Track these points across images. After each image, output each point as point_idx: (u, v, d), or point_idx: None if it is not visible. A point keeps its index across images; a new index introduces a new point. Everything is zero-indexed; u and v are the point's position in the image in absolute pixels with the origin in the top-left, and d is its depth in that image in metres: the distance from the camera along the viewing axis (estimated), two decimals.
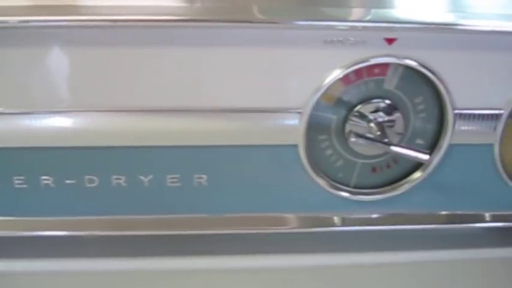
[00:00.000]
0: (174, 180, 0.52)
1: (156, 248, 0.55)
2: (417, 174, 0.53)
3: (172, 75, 0.48)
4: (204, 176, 0.52)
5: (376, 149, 0.50)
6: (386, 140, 0.49)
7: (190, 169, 0.52)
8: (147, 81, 0.48)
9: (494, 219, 0.58)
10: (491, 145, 0.53)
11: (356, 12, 0.48)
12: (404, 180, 0.54)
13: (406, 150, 0.49)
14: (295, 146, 0.50)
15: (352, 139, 0.48)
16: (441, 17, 0.49)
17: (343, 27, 0.47)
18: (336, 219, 0.55)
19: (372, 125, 0.50)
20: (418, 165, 0.54)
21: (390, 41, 0.48)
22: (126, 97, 0.48)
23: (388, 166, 0.53)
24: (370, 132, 0.50)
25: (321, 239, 0.56)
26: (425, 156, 0.49)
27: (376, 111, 0.51)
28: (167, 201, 0.53)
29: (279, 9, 0.48)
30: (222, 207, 0.53)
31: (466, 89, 0.50)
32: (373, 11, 0.49)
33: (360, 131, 0.50)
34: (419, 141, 0.53)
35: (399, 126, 0.51)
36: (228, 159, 0.51)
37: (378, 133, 0.50)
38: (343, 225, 0.55)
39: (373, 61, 0.48)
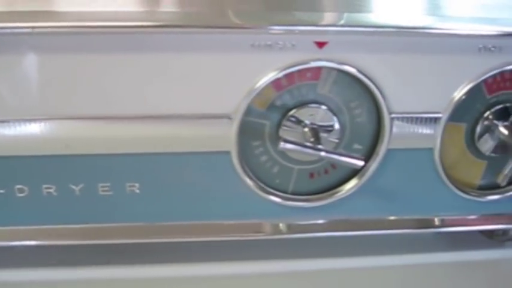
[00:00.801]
0: (106, 188, 0.50)
1: (88, 257, 0.53)
2: (355, 181, 0.52)
3: (100, 82, 0.46)
4: (136, 184, 0.50)
5: (310, 155, 0.49)
6: (319, 146, 0.48)
7: (122, 177, 0.50)
8: (75, 89, 0.46)
9: (439, 224, 0.57)
10: (431, 149, 0.52)
11: (285, 16, 0.47)
12: (342, 187, 0.52)
13: (339, 156, 0.48)
14: (228, 152, 0.49)
15: (282, 145, 0.46)
16: (373, 19, 0.47)
17: (271, 31, 0.45)
18: (272, 226, 0.53)
19: (306, 130, 0.49)
20: (357, 170, 0.52)
21: (321, 44, 0.46)
22: (53, 105, 0.47)
23: (326, 172, 0.52)
24: (305, 138, 0.49)
25: (259, 246, 0.55)
26: (360, 163, 0.48)
27: (310, 116, 0.49)
28: (100, 210, 0.51)
29: (206, 14, 0.46)
30: (156, 216, 0.52)
31: (402, 93, 0.49)
32: (303, 14, 0.47)
33: (294, 137, 0.49)
34: (357, 146, 0.51)
35: (335, 132, 0.50)
36: (160, 166, 0.50)
37: (312, 139, 0.48)
38: (280, 232, 0.53)
39: (303, 65, 0.46)
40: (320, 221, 0.55)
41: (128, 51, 0.45)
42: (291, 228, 0.54)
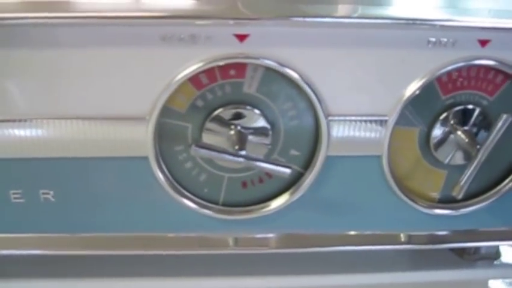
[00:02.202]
0: (18, 196, 0.46)
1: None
2: (293, 190, 0.46)
3: (4, 83, 0.42)
4: (50, 191, 0.46)
5: (230, 162, 0.43)
6: (242, 152, 0.42)
7: (35, 184, 0.46)
8: None
9: (400, 241, 0.51)
10: (378, 157, 0.46)
11: (202, 6, 0.41)
12: (279, 198, 0.47)
13: (261, 163, 0.42)
14: (145, 158, 0.44)
15: (193, 150, 0.41)
16: (303, 9, 0.41)
17: (182, 23, 0.40)
18: (200, 240, 0.48)
19: (232, 133, 0.44)
20: (295, 179, 0.47)
21: (241, 37, 0.41)
22: None
23: (261, 181, 0.47)
24: (232, 143, 0.43)
25: (187, 261, 0.50)
26: (286, 170, 0.42)
27: (237, 118, 0.44)
28: (12, 218, 0.47)
29: (112, 4, 0.41)
30: (73, 226, 0.47)
31: (341, 93, 0.44)
32: (223, 4, 0.42)
33: (219, 141, 0.44)
34: (294, 152, 0.46)
35: (267, 136, 0.44)
36: (76, 173, 0.45)
37: (237, 143, 0.43)
38: (209, 247, 0.48)
39: (223, 61, 0.41)
40: (246, 236, 0.50)
41: (32, 47, 0.41)
42: (212, 243, 0.49)
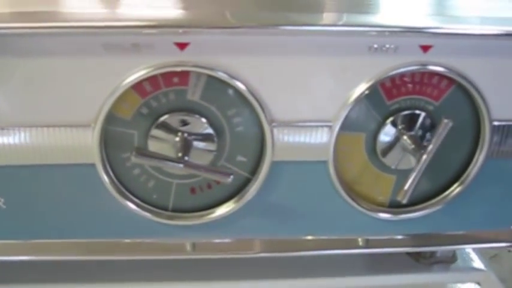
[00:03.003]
0: None
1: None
2: (240, 196, 0.47)
3: None
4: (1, 199, 0.47)
5: (173, 169, 0.44)
6: (186, 159, 0.43)
7: None
8: None
9: (350, 245, 0.51)
10: (325, 162, 0.46)
11: (144, 14, 0.42)
12: (226, 204, 0.47)
13: (201, 170, 0.43)
14: (93, 165, 0.45)
15: (134, 157, 0.42)
16: (241, 17, 0.42)
17: (123, 32, 0.41)
18: (156, 245, 0.49)
19: (177, 140, 0.44)
20: (244, 185, 0.47)
21: (182, 45, 0.41)
22: None
23: (209, 187, 0.47)
24: (177, 150, 0.44)
25: (139, 267, 0.51)
26: (227, 178, 0.42)
27: (182, 125, 0.44)
28: None
29: (53, 13, 0.42)
30: (26, 233, 0.48)
31: (285, 100, 0.44)
32: (164, 12, 0.42)
33: (165, 148, 0.44)
34: (240, 158, 0.47)
35: (213, 142, 0.45)
36: (26, 180, 0.46)
37: (180, 153, 0.43)
38: (165, 252, 0.49)
39: (163, 69, 0.42)
40: (194, 241, 0.51)
41: None
42: (175, 248, 0.49)
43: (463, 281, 0.57)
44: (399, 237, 0.53)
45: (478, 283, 0.57)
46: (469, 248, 0.59)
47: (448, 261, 0.57)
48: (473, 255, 0.59)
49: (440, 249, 0.55)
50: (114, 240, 0.49)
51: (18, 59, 0.42)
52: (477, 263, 0.58)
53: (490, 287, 0.56)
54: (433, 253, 0.56)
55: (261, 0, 0.49)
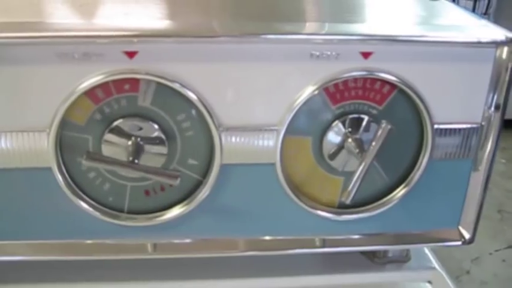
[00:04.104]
0: None
1: None
2: (191, 198, 0.49)
3: None
4: None
5: (124, 172, 0.47)
6: (136, 162, 0.45)
7: None
8: None
9: (299, 245, 0.53)
10: (272, 164, 0.49)
11: (94, 24, 0.45)
12: (177, 205, 0.50)
13: (151, 173, 0.45)
14: (49, 168, 0.47)
15: (84, 161, 0.44)
16: (189, 26, 0.45)
17: (74, 42, 0.43)
18: (117, 246, 0.51)
19: (130, 144, 0.47)
20: (195, 186, 0.50)
21: (131, 54, 0.44)
22: None
23: (163, 189, 0.50)
24: (129, 153, 0.47)
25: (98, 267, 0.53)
26: (174, 181, 0.45)
27: (135, 130, 0.47)
28: None
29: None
30: None
31: (231, 106, 0.47)
32: (114, 21, 0.45)
33: (117, 153, 0.47)
34: (192, 161, 0.49)
35: (164, 146, 0.47)
36: None
37: (131, 156, 0.46)
38: (126, 252, 0.51)
39: (113, 76, 0.44)
40: (146, 242, 0.53)
41: None
42: (135, 248, 0.52)
43: (415, 280, 0.59)
44: (354, 237, 0.55)
45: (430, 282, 0.59)
46: (423, 248, 0.61)
47: (402, 261, 0.60)
48: (427, 255, 0.61)
49: (391, 248, 0.57)
50: (74, 241, 0.52)
51: None
52: (429, 262, 0.60)
53: (440, 286, 0.58)
54: (386, 252, 0.59)
55: (228, 10, 0.52)
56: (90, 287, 0.56)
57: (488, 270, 2.08)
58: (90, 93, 0.46)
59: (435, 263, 0.60)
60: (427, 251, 0.62)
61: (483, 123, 0.51)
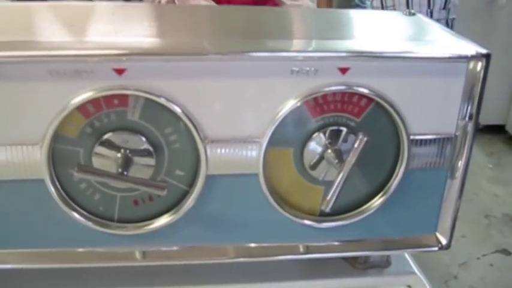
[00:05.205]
0: None
1: None
2: (178, 207, 0.52)
3: None
4: None
5: (121, 183, 0.49)
6: (125, 173, 0.48)
7: None
8: None
9: (284, 251, 0.56)
10: (256, 175, 0.51)
11: (85, 42, 0.47)
12: (165, 214, 0.52)
13: (139, 184, 0.48)
14: (42, 180, 0.50)
15: (75, 173, 0.47)
16: (174, 45, 0.48)
17: (65, 60, 0.46)
18: (107, 254, 0.54)
19: (119, 156, 0.49)
20: (182, 196, 0.52)
21: (119, 71, 0.47)
22: None
23: (151, 199, 0.52)
24: (118, 165, 0.49)
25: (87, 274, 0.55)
26: (161, 191, 0.48)
27: (124, 143, 0.50)
28: None
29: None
30: None
31: (216, 119, 0.50)
32: (104, 39, 0.48)
33: (107, 164, 0.49)
34: (179, 172, 0.52)
35: (151, 158, 0.50)
36: None
37: (120, 168, 0.49)
38: (116, 260, 0.54)
39: (103, 92, 0.47)
40: (133, 250, 0.55)
41: None
42: (125, 256, 0.54)
43: (395, 284, 0.62)
44: (335, 243, 0.58)
45: (409, 286, 0.62)
46: (403, 253, 0.64)
47: (382, 266, 0.62)
48: (407, 260, 0.64)
49: (371, 254, 0.60)
50: (65, 249, 0.54)
51: None
52: (409, 267, 0.63)
53: None
54: (367, 258, 0.61)
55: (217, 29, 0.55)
56: None
57: (475, 274, 2.12)
58: (81, 108, 0.49)
59: (415, 268, 0.63)
60: (407, 256, 0.65)
61: (457, 133, 0.54)
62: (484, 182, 2.64)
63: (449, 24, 1.99)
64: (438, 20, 1.93)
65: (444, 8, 1.94)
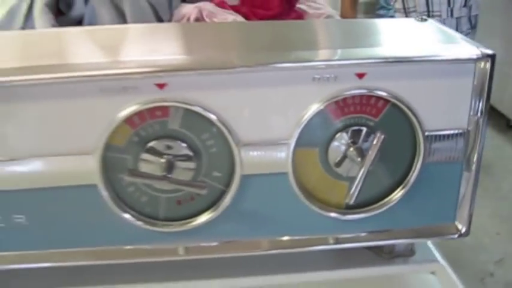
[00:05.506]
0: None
1: None
2: (217, 205, 0.59)
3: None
4: (22, 216, 0.59)
5: (159, 185, 0.56)
6: (170, 176, 0.55)
7: (7, 211, 0.58)
8: None
9: (314, 243, 0.62)
10: (285, 173, 0.58)
11: (129, 62, 0.54)
12: (206, 212, 0.59)
13: (183, 185, 0.55)
14: (95, 185, 0.56)
15: (127, 178, 0.54)
16: (211, 60, 0.54)
17: (114, 78, 0.53)
18: (153, 250, 0.60)
19: (163, 161, 0.56)
20: (220, 195, 0.59)
21: (161, 85, 0.54)
22: None
23: (192, 199, 0.59)
24: (163, 169, 0.56)
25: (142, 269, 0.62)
26: (202, 190, 0.54)
27: (167, 149, 0.56)
28: None
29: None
30: (42, 244, 0.60)
31: (249, 124, 0.56)
32: (145, 58, 0.55)
33: (153, 169, 0.56)
34: (216, 173, 0.58)
35: (192, 162, 0.57)
36: (40, 200, 0.58)
37: (165, 172, 0.55)
38: (161, 255, 0.60)
39: (147, 105, 0.54)
40: (178, 246, 0.62)
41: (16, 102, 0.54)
42: (169, 252, 0.61)
43: (420, 272, 0.67)
44: (361, 234, 0.64)
45: (433, 273, 0.67)
46: (426, 243, 0.69)
47: (407, 255, 0.68)
48: (430, 250, 0.69)
49: (395, 243, 0.66)
50: (115, 247, 0.61)
51: (36, 102, 0.54)
52: (432, 256, 0.68)
53: (444, 276, 0.67)
54: (393, 248, 0.67)
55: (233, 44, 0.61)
56: None
57: None
58: (128, 120, 0.55)
59: (438, 256, 0.68)
60: (430, 245, 0.70)
61: (469, 128, 0.60)
62: None
63: (471, 21, 2.01)
64: (459, 18, 1.96)
65: (465, 5, 1.97)
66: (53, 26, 1.13)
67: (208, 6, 1.11)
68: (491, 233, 2.28)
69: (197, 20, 1.11)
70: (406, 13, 2.09)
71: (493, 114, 2.99)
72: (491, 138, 2.94)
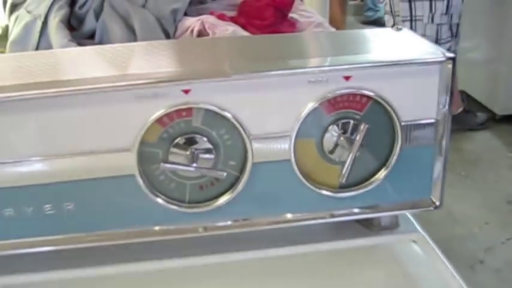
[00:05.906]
0: (49, 208, 0.72)
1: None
2: (233, 189, 0.72)
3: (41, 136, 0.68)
4: (71, 203, 0.72)
5: (188, 172, 0.70)
6: (194, 164, 0.68)
7: (59, 199, 0.72)
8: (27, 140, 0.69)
9: (312, 217, 0.76)
10: (289, 160, 0.71)
11: (159, 72, 0.68)
12: (224, 195, 0.73)
13: (206, 170, 0.68)
14: (133, 175, 0.70)
15: (162, 166, 0.67)
16: (226, 68, 0.68)
17: (147, 86, 0.67)
18: (178, 229, 0.74)
19: (188, 153, 0.70)
20: (235, 180, 0.73)
21: (186, 91, 0.67)
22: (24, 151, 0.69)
23: (212, 184, 0.73)
24: (188, 160, 0.70)
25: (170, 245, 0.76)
26: (221, 174, 0.68)
27: (191, 143, 0.70)
28: (47, 225, 0.73)
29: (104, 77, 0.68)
30: (88, 226, 0.73)
31: (258, 120, 0.70)
32: (170, 69, 0.68)
33: (181, 160, 0.70)
34: (231, 162, 0.72)
35: (211, 153, 0.71)
36: (87, 190, 0.71)
37: (190, 161, 0.69)
38: (185, 233, 0.74)
39: (175, 107, 0.68)
40: (214, 222, 0.76)
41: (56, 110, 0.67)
42: (179, 230, 0.75)
43: (403, 241, 0.81)
44: (353, 209, 0.78)
45: (415, 242, 0.81)
46: (407, 216, 0.83)
47: (392, 227, 0.82)
48: (412, 222, 0.83)
49: (381, 215, 0.79)
50: (146, 227, 0.75)
51: (81, 109, 0.68)
52: (414, 227, 0.82)
53: (424, 244, 0.80)
54: (379, 221, 0.81)
55: (238, 54, 0.75)
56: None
57: (501, 258, 2.27)
58: (159, 120, 0.69)
59: (418, 227, 0.82)
60: (411, 219, 0.84)
61: (438, 118, 0.74)
62: (504, 171, 2.80)
63: (452, 30, 2.14)
64: (440, 25, 2.09)
65: (446, 13, 2.10)
66: (70, 41, 1.26)
67: (210, 19, 1.25)
68: (480, 222, 2.43)
69: (200, 31, 1.25)
70: (394, 16, 2.24)
71: (480, 109, 3.15)
72: (478, 131, 3.09)
